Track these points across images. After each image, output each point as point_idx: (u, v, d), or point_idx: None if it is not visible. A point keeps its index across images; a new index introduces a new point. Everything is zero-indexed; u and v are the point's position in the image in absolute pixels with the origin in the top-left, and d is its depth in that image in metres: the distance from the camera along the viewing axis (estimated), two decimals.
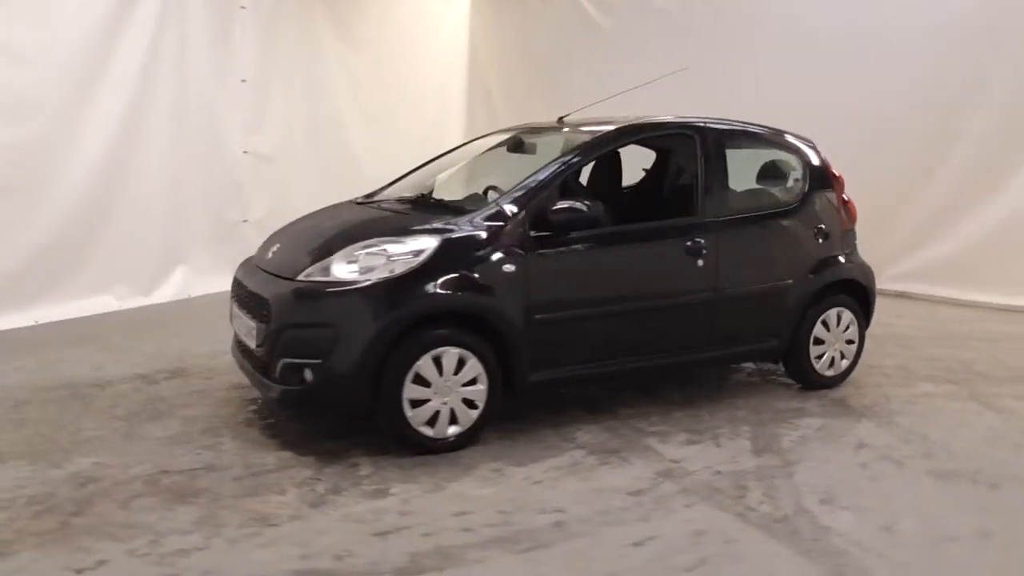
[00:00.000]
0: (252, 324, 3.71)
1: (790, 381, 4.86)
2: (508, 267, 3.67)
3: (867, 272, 4.84)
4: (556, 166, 3.91)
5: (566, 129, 4.64)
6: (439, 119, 9.50)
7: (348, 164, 8.23)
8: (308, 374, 3.48)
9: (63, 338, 5.43)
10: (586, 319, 3.88)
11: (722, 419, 4.24)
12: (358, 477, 3.38)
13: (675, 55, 8.24)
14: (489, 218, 3.72)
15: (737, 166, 4.43)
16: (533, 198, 3.78)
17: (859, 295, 4.81)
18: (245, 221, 7.29)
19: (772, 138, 4.67)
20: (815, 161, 4.74)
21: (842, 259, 4.72)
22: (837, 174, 4.84)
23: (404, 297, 3.46)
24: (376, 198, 4.65)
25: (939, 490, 3.46)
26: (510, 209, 3.74)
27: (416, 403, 3.53)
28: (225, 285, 7.03)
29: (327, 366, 3.43)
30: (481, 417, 3.69)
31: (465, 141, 5.06)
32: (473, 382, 3.64)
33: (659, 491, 3.34)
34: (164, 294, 6.62)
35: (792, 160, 4.70)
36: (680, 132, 4.31)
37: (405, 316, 3.46)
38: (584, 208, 3.69)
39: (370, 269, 3.53)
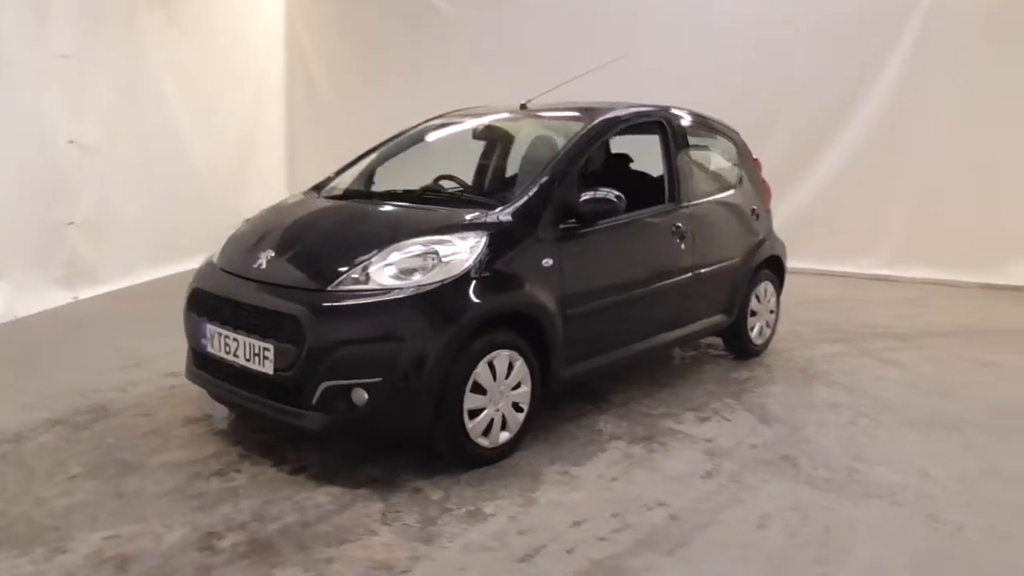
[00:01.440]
0: (264, 345, 3.17)
1: (722, 353, 5.21)
2: (547, 261, 3.52)
3: (783, 247, 5.30)
4: (569, 154, 3.78)
5: (509, 115, 4.50)
6: (259, 101, 8.73)
7: (174, 151, 7.29)
8: (360, 396, 3.07)
9: None
10: (607, 309, 3.84)
11: (703, 394, 4.43)
12: (436, 502, 3.06)
13: (516, 37, 8.37)
14: (520, 210, 3.52)
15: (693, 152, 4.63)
16: (557, 188, 3.64)
17: (778, 268, 5.26)
18: (71, 223, 6.14)
19: (711, 123, 4.91)
20: (742, 145, 5.08)
21: (769, 236, 5.13)
22: (756, 157, 5.23)
23: (469, 300, 3.18)
24: (342, 191, 4.16)
25: (924, 438, 3.90)
26: (540, 200, 3.57)
27: (472, 414, 3.28)
28: (57, 300, 6.01)
29: (389, 384, 3.05)
30: (527, 419, 3.52)
31: (404, 129, 4.67)
32: (518, 385, 3.45)
33: (725, 471, 3.43)
34: None
35: (729, 145, 4.99)
36: (653, 119, 4.37)
37: (472, 320, 3.17)
38: (614, 198, 3.62)
39: (417, 270, 3.18)
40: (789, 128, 8.06)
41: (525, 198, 3.56)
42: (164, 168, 7.03)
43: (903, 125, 7.75)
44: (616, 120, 4.12)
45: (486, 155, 4.64)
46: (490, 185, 4.23)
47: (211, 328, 3.43)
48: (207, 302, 3.50)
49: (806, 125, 8.03)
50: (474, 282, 3.21)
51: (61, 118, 5.93)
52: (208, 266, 3.70)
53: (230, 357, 3.34)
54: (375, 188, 4.23)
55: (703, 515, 3.03)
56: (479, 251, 3.27)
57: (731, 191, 4.87)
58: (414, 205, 3.75)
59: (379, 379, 3.05)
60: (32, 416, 3.83)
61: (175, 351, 4.81)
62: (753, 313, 5.04)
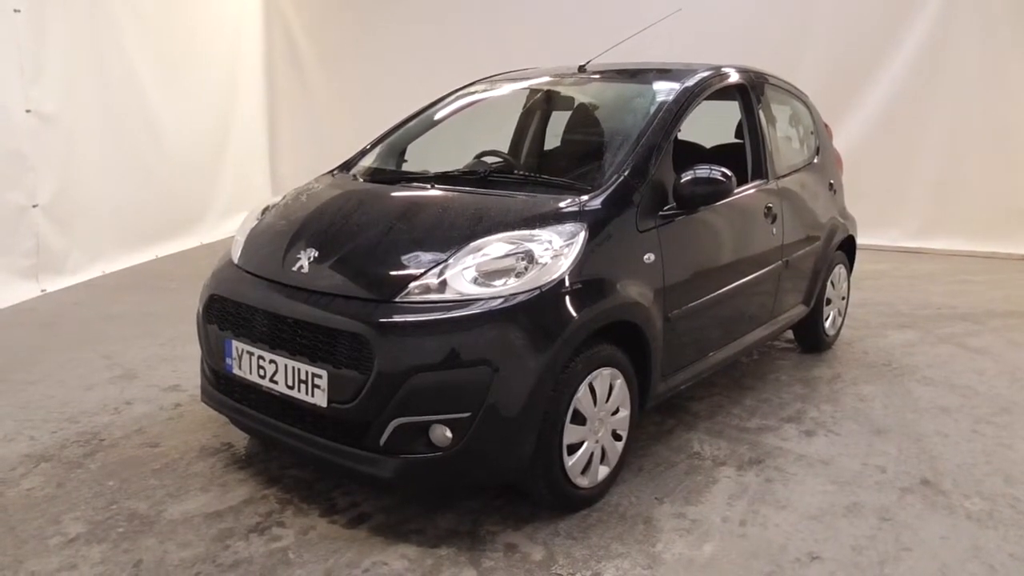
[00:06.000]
0: (315, 371, 2.51)
1: (788, 346, 4.66)
2: (649, 256, 2.89)
3: (854, 224, 4.74)
4: (662, 124, 3.12)
5: (571, 79, 3.81)
6: (234, 63, 7.87)
7: (142, 121, 6.47)
8: (442, 435, 2.43)
9: None
10: (706, 308, 3.23)
11: (793, 398, 3.89)
12: (540, 565, 2.45)
13: None
14: (616, 194, 2.86)
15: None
16: (654, 166, 2.99)
17: (850, 249, 4.71)
18: (35, 206, 5.33)
19: (787, 87, 4.29)
20: (815, 110, 4.49)
21: (843, 214, 4.56)
22: (826, 124, 4.64)
23: (572, 309, 2.54)
24: (384, 172, 3.47)
25: None
26: (636, 182, 2.92)
27: (571, 448, 2.66)
28: (24, 294, 5.22)
29: (480, 420, 2.41)
30: (624, 449, 2.92)
31: (438, 98, 3.95)
32: (616, 410, 2.84)
33: (869, 507, 2.86)
34: None
35: (804, 109, 4.39)
36: (735, 83, 3.72)
37: (576, 334, 2.54)
38: (721, 176, 2.99)
39: (505, 274, 2.53)
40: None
41: (620, 179, 2.90)
42: (131, 142, 6.23)
43: (928, 88, 7.31)
44: (706, 82, 3.44)
45: (540, 126, 3.96)
46: (564, 163, 3.54)
47: (238, 345, 2.75)
48: (231, 313, 2.81)
49: (826, 90, 7.50)
50: (576, 287, 2.57)
51: (15, 83, 5.08)
52: (227, 267, 3.00)
53: (265, 383, 2.66)
54: (423, 168, 3.50)
55: (871, 572, 2.46)
56: (579, 248, 2.62)
57: (811, 163, 4.27)
58: (480, 190, 3.04)
59: (467, 414, 2.41)
60: (10, 450, 3.13)
61: (169, 359, 4.15)
62: (828, 301, 4.49)
